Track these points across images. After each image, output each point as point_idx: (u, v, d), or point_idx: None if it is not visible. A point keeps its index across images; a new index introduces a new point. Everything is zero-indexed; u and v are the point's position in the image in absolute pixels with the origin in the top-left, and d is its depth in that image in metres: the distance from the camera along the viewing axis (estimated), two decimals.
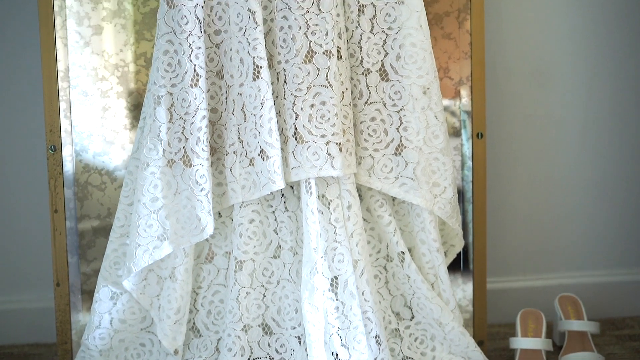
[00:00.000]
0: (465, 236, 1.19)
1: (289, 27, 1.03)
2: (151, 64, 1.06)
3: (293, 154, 1.03)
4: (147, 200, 1.04)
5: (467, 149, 1.20)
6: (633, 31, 1.36)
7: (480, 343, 1.17)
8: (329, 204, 1.05)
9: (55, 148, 1.13)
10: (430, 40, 1.06)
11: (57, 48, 1.12)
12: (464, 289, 1.22)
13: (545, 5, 1.34)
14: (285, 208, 1.10)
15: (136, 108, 1.15)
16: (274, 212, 1.10)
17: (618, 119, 1.39)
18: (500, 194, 1.37)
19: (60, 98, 1.13)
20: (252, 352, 1.09)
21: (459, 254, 1.20)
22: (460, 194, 1.21)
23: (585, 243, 1.41)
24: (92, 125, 1.15)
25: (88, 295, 1.16)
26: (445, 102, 1.18)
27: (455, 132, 1.20)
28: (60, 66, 1.13)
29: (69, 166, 1.15)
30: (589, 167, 1.39)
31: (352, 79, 1.08)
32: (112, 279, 1.10)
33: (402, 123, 1.08)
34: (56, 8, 1.12)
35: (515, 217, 1.39)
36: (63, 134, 1.14)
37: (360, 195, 1.11)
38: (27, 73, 1.28)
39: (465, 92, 1.19)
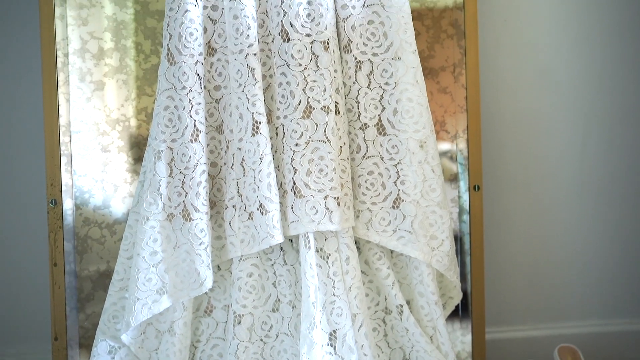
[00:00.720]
0: (463, 287, 1.19)
1: (288, 83, 1.05)
2: (152, 119, 1.08)
3: (292, 207, 1.04)
4: (146, 254, 1.05)
5: (465, 201, 1.21)
6: (627, 82, 1.39)
7: None
8: (328, 257, 1.06)
9: (56, 202, 1.14)
10: (426, 95, 1.08)
11: (59, 103, 1.14)
12: (463, 341, 1.22)
13: (538, 58, 1.37)
14: (284, 261, 1.10)
15: (137, 162, 1.16)
16: (272, 265, 1.10)
17: (613, 167, 1.40)
18: (498, 244, 1.38)
19: (61, 152, 1.14)
20: None
21: (457, 305, 1.20)
22: (458, 245, 1.21)
23: (584, 293, 1.42)
24: (93, 179, 1.16)
25: (86, 349, 1.16)
26: (446, 146, 1.19)
27: (453, 177, 1.21)
28: (62, 121, 1.14)
29: (69, 220, 1.15)
30: (586, 216, 1.40)
31: (349, 133, 1.10)
32: (111, 332, 1.10)
33: (399, 176, 1.09)
34: (59, 64, 1.14)
35: (514, 267, 1.40)
36: (64, 188, 1.15)
37: (358, 248, 1.12)
38: (30, 127, 1.30)
39: (461, 145, 1.20)
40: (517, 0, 1.36)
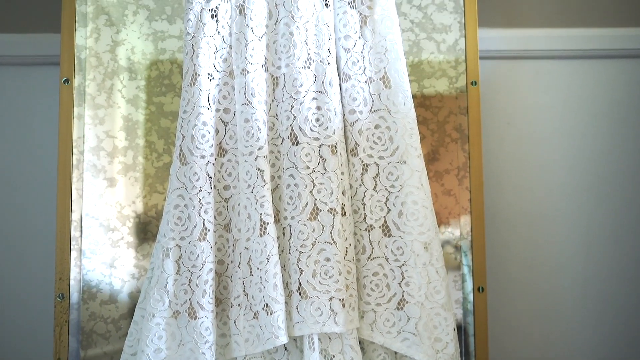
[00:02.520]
0: None
1: (296, 185, 1.08)
2: (161, 216, 1.10)
3: (297, 308, 1.05)
4: (150, 351, 1.05)
5: (469, 303, 1.21)
6: (630, 182, 1.41)
7: None
8: (332, 359, 1.06)
9: (64, 296, 1.16)
10: (431, 198, 1.10)
11: (72, 199, 1.17)
12: None
13: (542, 160, 1.40)
14: None
15: (145, 258, 1.18)
16: None
17: (617, 268, 1.40)
18: (502, 345, 1.37)
19: (72, 247, 1.16)
20: None
21: None
22: (462, 347, 1.21)
23: None
24: (101, 273, 1.17)
25: None
26: (450, 247, 1.21)
27: (457, 279, 1.22)
28: (75, 216, 1.17)
29: (75, 314, 1.16)
30: (590, 316, 1.40)
31: (355, 234, 1.11)
32: None
33: (404, 278, 1.10)
34: (75, 161, 1.18)
35: None
36: (72, 282, 1.16)
37: (362, 349, 1.11)
38: (42, 222, 1.32)
39: (466, 247, 1.22)
40: (520, 103, 1.40)
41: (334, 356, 1.06)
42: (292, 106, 1.10)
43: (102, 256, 1.17)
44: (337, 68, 1.13)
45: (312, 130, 1.09)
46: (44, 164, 1.34)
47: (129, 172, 1.19)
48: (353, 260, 1.09)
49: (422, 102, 1.22)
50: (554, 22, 1.41)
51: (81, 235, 1.17)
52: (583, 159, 1.40)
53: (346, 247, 1.08)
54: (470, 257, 1.21)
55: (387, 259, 1.10)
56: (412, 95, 1.14)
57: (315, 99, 1.10)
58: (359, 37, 1.14)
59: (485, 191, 1.32)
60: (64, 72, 1.19)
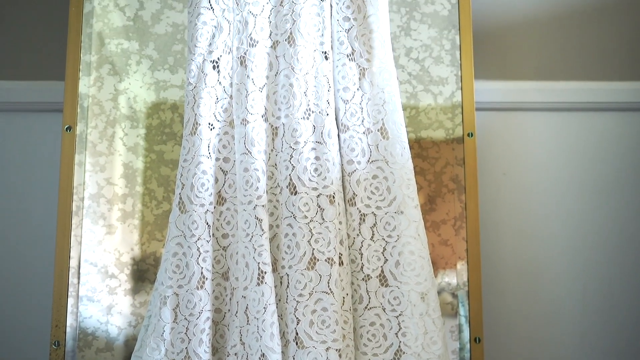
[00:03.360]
0: None
1: (294, 234, 1.09)
2: (160, 264, 1.10)
3: (293, 358, 1.05)
4: None
5: (466, 353, 1.21)
6: (625, 235, 1.42)
7: None
8: None
9: (59, 343, 1.15)
10: (427, 248, 1.11)
11: (71, 246, 1.18)
12: None
13: (538, 209, 1.41)
14: None
15: (142, 305, 1.18)
16: None
17: (615, 317, 1.40)
18: None
19: (69, 294, 1.17)
20: None
21: None
22: None
23: None
24: (98, 321, 1.17)
25: None
26: (447, 298, 1.21)
27: (454, 329, 1.21)
28: (73, 263, 1.17)
29: None
30: None
31: (352, 284, 1.12)
32: None
33: (400, 328, 1.10)
34: (74, 208, 1.19)
35: None
36: (68, 329, 1.16)
37: None
38: (39, 268, 1.32)
39: (463, 297, 1.22)
40: (516, 154, 1.42)
41: None
42: (291, 156, 1.11)
43: (99, 303, 1.17)
44: (336, 119, 1.15)
45: (310, 180, 1.10)
46: (43, 210, 1.35)
47: (128, 219, 1.20)
48: (350, 310, 1.09)
49: (419, 153, 1.24)
50: (547, 75, 1.44)
51: (79, 282, 1.17)
52: (578, 210, 1.42)
53: (343, 297, 1.08)
54: (467, 307, 1.21)
55: (384, 309, 1.11)
56: (410, 146, 1.16)
57: (314, 149, 1.12)
58: (358, 89, 1.16)
59: (482, 241, 1.32)
60: (66, 119, 1.21)
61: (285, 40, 1.16)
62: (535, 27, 1.44)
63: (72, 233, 1.18)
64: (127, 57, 1.24)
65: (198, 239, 1.08)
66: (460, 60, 1.27)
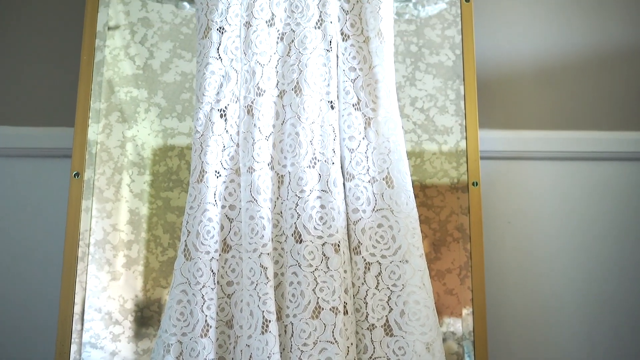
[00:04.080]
0: None
1: (299, 283, 1.09)
2: (164, 311, 1.10)
3: None
4: None
5: None
6: (631, 278, 1.41)
7: None
8: None
9: None
10: (433, 298, 1.11)
11: (75, 292, 1.18)
12: None
13: (544, 259, 1.40)
14: None
15: (145, 353, 1.17)
16: None
17: (622, 355, 1.39)
18: None
19: (72, 340, 1.16)
20: None
21: None
22: None
23: None
24: None
25: None
26: (452, 347, 1.20)
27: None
28: (77, 309, 1.17)
29: None
30: None
31: (357, 333, 1.11)
32: None
33: None
34: (80, 254, 1.19)
35: None
36: None
37: None
38: (44, 313, 1.32)
39: (468, 347, 1.21)
40: (521, 202, 1.42)
41: None
42: (297, 204, 1.12)
43: (103, 350, 1.17)
44: (341, 168, 1.16)
45: (315, 228, 1.11)
46: (49, 255, 1.35)
47: (133, 265, 1.20)
48: (355, 359, 1.08)
49: (424, 201, 1.25)
50: (551, 125, 1.45)
51: (82, 328, 1.17)
52: (583, 258, 1.41)
53: (348, 347, 1.08)
54: (473, 357, 1.20)
55: (388, 359, 1.10)
56: (415, 195, 1.17)
57: (320, 197, 1.13)
58: (363, 138, 1.17)
59: (487, 291, 1.32)
60: (75, 166, 1.22)
61: (292, 89, 1.18)
62: (539, 77, 1.46)
63: (77, 279, 1.18)
64: (136, 104, 1.26)
65: (203, 287, 1.08)
66: (465, 109, 1.28)
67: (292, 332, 1.07)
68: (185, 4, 1.29)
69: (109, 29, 1.28)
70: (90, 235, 1.20)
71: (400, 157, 1.16)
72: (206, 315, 1.08)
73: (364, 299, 1.12)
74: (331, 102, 1.18)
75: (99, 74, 1.26)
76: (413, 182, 1.22)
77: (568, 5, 1.47)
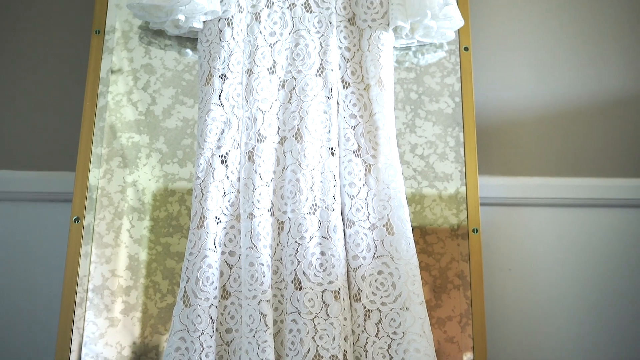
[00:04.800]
0: None
1: (298, 330, 1.08)
2: (162, 358, 1.09)
3: None
4: None
5: None
6: (633, 325, 1.40)
7: None
8: None
9: None
10: (433, 346, 1.10)
11: (72, 338, 1.16)
12: None
13: (545, 308, 1.40)
14: None
15: None
16: None
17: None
18: None
19: None
20: None
21: None
22: None
23: None
24: None
25: None
26: None
27: None
28: (73, 356, 1.16)
29: None
30: None
31: None
32: None
33: None
34: (78, 300, 1.18)
35: None
36: None
37: None
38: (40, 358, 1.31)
39: None
40: (521, 249, 1.42)
41: None
42: (297, 251, 1.12)
43: None
44: (342, 214, 1.16)
45: (315, 275, 1.10)
46: (47, 300, 1.34)
47: (132, 312, 1.19)
48: None
49: (424, 248, 1.24)
50: (551, 172, 1.45)
51: None
52: (584, 305, 1.40)
53: None
54: None
55: None
56: (415, 242, 1.17)
57: (320, 244, 1.12)
58: (363, 185, 1.17)
59: (488, 338, 1.31)
60: (75, 210, 1.22)
61: (293, 136, 1.18)
62: (538, 123, 1.47)
63: (75, 325, 1.17)
64: (137, 150, 1.26)
65: (201, 334, 1.08)
66: (465, 156, 1.29)
67: None
68: (188, 50, 1.31)
69: (112, 72, 1.29)
70: (88, 281, 1.19)
71: (401, 204, 1.16)
72: None
73: (364, 347, 1.11)
74: (332, 148, 1.18)
75: (101, 119, 1.27)
76: (413, 228, 1.22)
77: (566, 53, 1.49)
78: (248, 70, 1.22)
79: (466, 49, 1.34)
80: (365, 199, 1.17)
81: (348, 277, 1.13)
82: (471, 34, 1.38)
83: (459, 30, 1.34)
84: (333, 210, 1.14)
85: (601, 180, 1.45)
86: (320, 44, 1.24)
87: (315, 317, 1.08)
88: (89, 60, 1.30)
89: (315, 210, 1.14)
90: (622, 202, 1.43)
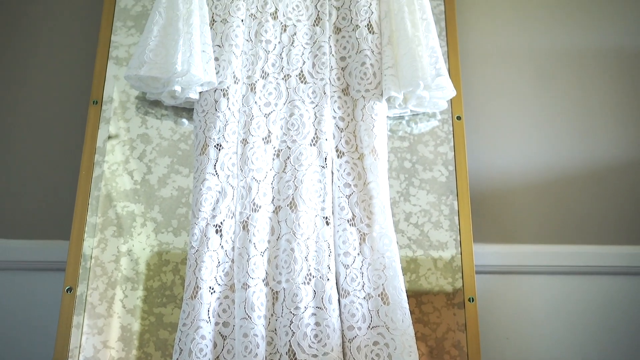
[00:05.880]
0: None
1: None
2: None
3: None
4: None
5: None
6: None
7: None
8: None
9: None
10: None
11: None
12: None
13: (542, 353, 1.38)
14: None
15: None
16: None
17: None
18: None
19: None
20: None
21: None
22: None
23: None
24: None
25: None
26: None
27: None
28: None
29: None
30: None
31: None
32: None
33: None
34: None
35: None
36: None
37: None
38: None
39: None
40: (518, 317, 1.40)
41: None
42: (291, 322, 1.10)
43: None
44: (337, 283, 1.15)
45: (310, 346, 1.09)
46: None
47: None
48: None
49: (420, 318, 1.23)
50: (545, 239, 1.45)
51: None
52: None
53: None
54: None
55: None
56: (410, 311, 1.16)
57: (314, 314, 1.11)
58: (358, 254, 1.17)
59: None
60: (68, 280, 1.22)
61: (288, 205, 1.19)
62: (532, 190, 1.48)
63: None
64: (132, 219, 1.26)
65: None
66: (459, 225, 1.29)
67: None
68: (184, 120, 1.32)
69: (108, 141, 1.30)
70: (79, 353, 1.18)
71: (396, 273, 1.15)
72: None
73: None
74: (326, 217, 1.18)
75: (96, 188, 1.27)
76: (408, 297, 1.21)
77: (558, 121, 1.51)
78: (243, 140, 1.23)
79: (459, 117, 1.36)
80: (360, 269, 1.16)
81: (343, 348, 1.12)
82: (463, 103, 1.40)
83: (451, 99, 1.36)
84: (328, 280, 1.14)
85: (597, 248, 1.45)
86: (315, 114, 1.26)
87: None
88: (85, 130, 1.31)
89: (309, 280, 1.14)
90: (619, 269, 1.43)
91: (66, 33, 1.51)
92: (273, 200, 1.20)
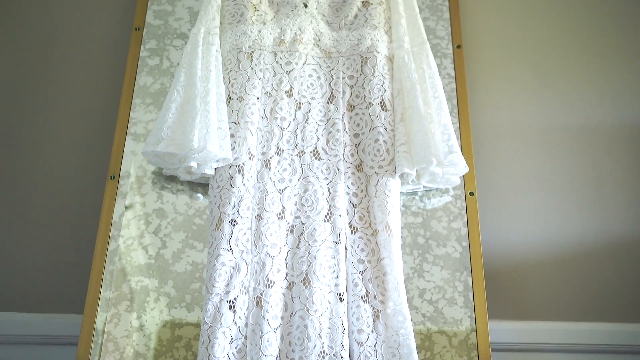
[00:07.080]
0: None
1: None
2: None
3: None
4: None
5: None
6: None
7: None
8: None
9: None
10: None
11: None
12: None
13: None
14: None
15: None
16: None
17: None
18: None
19: None
20: None
21: None
22: None
23: None
24: None
25: None
26: None
27: None
28: None
29: None
30: None
31: None
32: None
33: None
34: None
35: None
36: None
37: None
38: None
39: None
40: None
41: None
42: None
43: None
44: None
45: None
46: None
47: None
48: None
49: None
50: (560, 316, 1.43)
51: None
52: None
53: None
54: None
55: None
56: None
57: None
58: (372, 331, 1.16)
59: None
60: (80, 356, 1.21)
61: (301, 281, 1.19)
62: (546, 267, 1.47)
63: None
64: (145, 294, 1.26)
65: None
66: (474, 301, 1.28)
67: None
68: (200, 195, 1.34)
69: (124, 216, 1.32)
70: None
71: (410, 351, 1.14)
72: None
73: None
74: (340, 294, 1.18)
75: (111, 262, 1.28)
76: None
77: (571, 196, 1.51)
78: (257, 215, 1.24)
79: (471, 193, 1.37)
80: (374, 346, 1.15)
81: None
82: (476, 179, 1.41)
83: (464, 175, 1.37)
84: (342, 357, 1.12)
85: (612, 325, 1.43)
86: (329, 190, 1.27)
87: None
88: (102, 204, 1.33)
89: (323, 357, 1.12)
90: (635, 348, 1.41)
91: (87, 108, 1.55)
92: (287, 276, 1.20)
